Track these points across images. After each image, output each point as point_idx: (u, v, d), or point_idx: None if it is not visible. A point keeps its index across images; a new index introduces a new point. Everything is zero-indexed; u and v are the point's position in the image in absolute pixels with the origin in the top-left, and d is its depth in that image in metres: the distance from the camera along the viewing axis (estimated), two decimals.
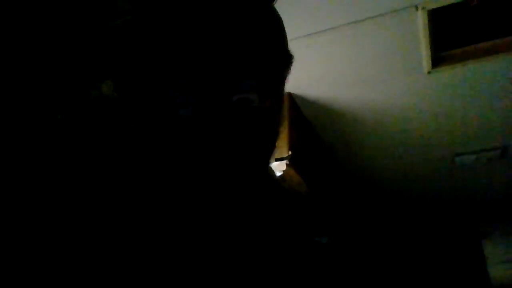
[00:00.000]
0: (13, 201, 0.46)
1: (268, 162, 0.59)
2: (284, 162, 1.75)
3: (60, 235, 0.45)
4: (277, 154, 1.78)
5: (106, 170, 0.51)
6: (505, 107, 2.21)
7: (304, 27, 1.84)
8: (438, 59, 2.00)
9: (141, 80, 0.51)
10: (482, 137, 2.45)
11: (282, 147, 1.81)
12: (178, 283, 0.50)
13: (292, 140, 1.87)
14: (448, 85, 2.11)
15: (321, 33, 1.87)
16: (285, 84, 0.59)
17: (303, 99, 2.21)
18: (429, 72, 2.00)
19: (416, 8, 1.75)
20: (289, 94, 2.14)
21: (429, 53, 1.91)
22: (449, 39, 2.03)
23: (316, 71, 2.06)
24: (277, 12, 0.58)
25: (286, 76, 0.58)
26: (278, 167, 1.74)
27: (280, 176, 1.71)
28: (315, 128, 2.44)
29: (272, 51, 0.53)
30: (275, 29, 0.55)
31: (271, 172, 0.68)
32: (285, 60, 0.56)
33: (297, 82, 2.11)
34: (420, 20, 1.78)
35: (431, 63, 1.96)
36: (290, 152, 1.79)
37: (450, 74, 2.04)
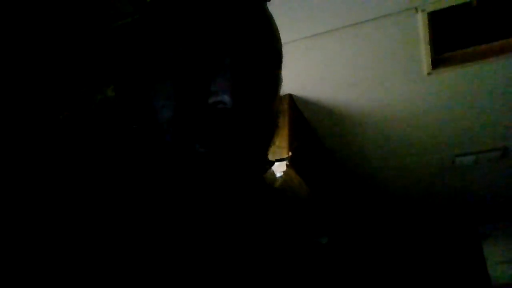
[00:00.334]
0: (13, 201, 0.46)
1: (258, 162, 0.58)
2: (284, 163, 1.75)
3: (60, 235, 0.45)
4: (277, 155, 1.78)
5: (106, 170, 0.51)
6: (505, 108, 2.21)
7: (305, 29, 1.84)
8: (438, 61, 2.00)
9: (132, 83, 0.52)
10: (482, 138, 2.45)
11: (283, 148, 1.81)
12: (178, 283, 0.50)
13: (292, 141, 1.88)
14: (448, 86, 2.11)
15: (321, 35, 1.87)
16: (280, 83, 0.58)
17: (303, 101, 2.22)
18: (429, 74, 2.01)
19: (416, 10, 1.75)
20: (290, 95, 2.15)
21: (429, 55, 1.91)
22: (449, 41, 2.03)
23: (316, 72, 2.06)
24: (268, 11, 0.57)
25: (278, 74, 0.57)
26: (279, 168, 1.74)
27: (280, 176, 1.72)
28: (315, 129, 2.44)
29: (256, 50, 0.52)
30: (261, 28, 0.54)
31: (266, 174, 0.66)
32: (273, 58, 0.55)
33: (297, 84, 2.11)
34: (420, 22, 1.78)
35: (431, 64, 1.96)
36: (290, 153, 1.79)
37: (450, 75, 2.05)
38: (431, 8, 1.73)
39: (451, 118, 2.31)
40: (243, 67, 0.50)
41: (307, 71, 2.04)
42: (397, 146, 2.56)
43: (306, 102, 2.23)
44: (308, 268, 0.75)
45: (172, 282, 0.49)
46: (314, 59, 1.99)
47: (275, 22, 0.57)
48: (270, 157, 0.62)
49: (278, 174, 1.72)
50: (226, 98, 0.48)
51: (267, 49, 0.54)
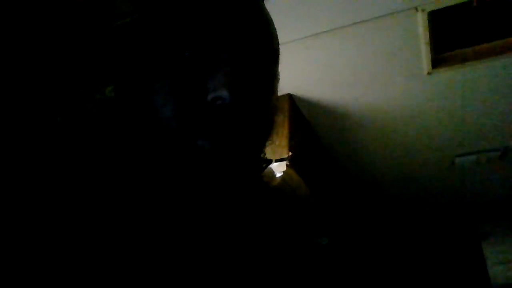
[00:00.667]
0: (13, 202, 0.46)
1: (256, 159, 0.58)
2: (284, 163, 1.75)
3: (60, 236, 0.45)
4: (277, 155, 1.78)
5: (105, 170, 0.51)
6: (504, 108, 2.21)
7: (305, 28, 1.84)
8: (438, 61, 2.00)
9: (132, 82, 0.52)
10: (482, 138, 2.45)
11: (282, 148, 1.81)
12: (177, 283, 0.50)
13: (292, 141, 1.88)
14: (448, 86, 2.11)
15: (321, 35, 1.87)
16: (277, 80, 0.58)
17: (303, 100, 2.21)
18: (429, 73, 2.01)
19: (416, 9, 1.75)
20: (289, 95, 2.14)
21: (429, 55, 1.91)
22: (449, 40, 2.04)
23: (316, 72, 2.06)
24: (265, 8, 0.57)
25: (275, 71, 0.58)
26: (278, 168, 1.74)
27: (280, 177, 1.71)
28: (315, 129, 2.44)
29: (253, 47, 0.52)
30: (258, 25, 0.54)
31: (264, 174, 0.66)
32: (270, 55, 0.55)
33: (297, 83, 2.11)
34: (420, 22, 1.78)
35: (431, 64, 1.96)
36: (290, 153, 1.79)
37: (450, 75, 2.05)
38: (431, 7, 1.74)
39: (451, 117, 2.31)
40: (240, 63, 0.50)
41: (306, 70, 2.04)
42: (397, 146, 2.56)
43: (305, 102, 2.23)
44: (307, 268, 0.75)
45: (171, 281, 0.49)
46: (313, 59, 1.99)
47: (271, 18, 0.57)
48: (269, 156, 0.62)
49: (278, 174, 1.72)
50: (224, 93, 0.48)
51: (264, 45, 0.54)
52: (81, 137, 0.52)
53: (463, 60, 1.98)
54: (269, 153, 0.62)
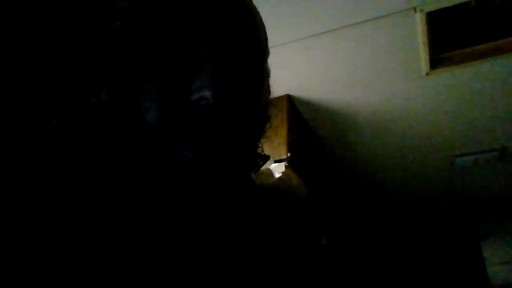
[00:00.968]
0: (12, 203, 0.46)
1: (247, 157, 0.57)
2: (283, 163, 1.75)
3: (59, 237, 0.45)
4: (276, 156, 1.78)
5: (103, 171, 0.51)
6: (503, 108, 2.22)
7: (303, 29, 1.84)
8: (436, 61, 2.00)
9: (122, 86, 0.52)
10: (481, 138, 2.45)
11: (281, 149, 1.81)
12: (177, 283, 0.50)
13: (290, 141, 1.88)
14: (446, 86, 2.11)
15: (320, 35, 1.87)
16: (266, 76, 0.57)
17: (301, 101, 2.21)
18: (427, 74, 2.01)
19: (415, 10, 1.75)
20: (288, 95, 2.15)
21: (427, 55, 1.92)
22: (447, 41, 2.04)
23: (314, 73, 2.06)
24: (252, 5, 0.55)
25: (263, 67, 0.56)
26: (277, 169, 1.74)
27: (279, 177, 1.72)
28: (314, 129, 2.44)
29: (237, 43, 0.51)
30: (242, 19, 0.52)
31: (262, 172, 0.65)
32: (256, 50, 0.54)
33: (295, 84, 2.11)
34: (419, 22, 1.78)
35: (429, 65, 1.96)
36: (289, 154, 1.79)
37: (448, 75, 2.05)
38: (429, 8, 1.74)
39: (450, 118, 2.32)
40: (223, 61, 0.49)
41: (305, 71, 2.04)
42: (395, 146, 2.56)
43: (304, 102, 2.23)
44: (306, 268, 0.75)
45: (170, 281, 0.49)
46: (312, 59, 1.99)
47: (258, 13, 0.55)
48: (267, 152, 0.61)
49: (277, 174, 1.72)
50: (207, 93, 0.47)
51: (249, 40, 0.52)
52: (76, 140, 0.52)
53: (462, 60, 1.99)
54: (267, 152, 0.62)
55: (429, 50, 1.90)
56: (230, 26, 0.50)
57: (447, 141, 2.49)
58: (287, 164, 1.75)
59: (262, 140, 0.58)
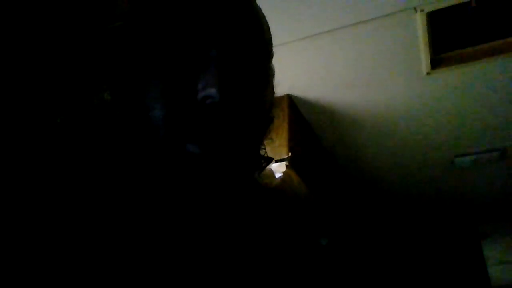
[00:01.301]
0: (13, 203, 0.46)
1: (252, 158, 0.57)
2: (284, 163, 1.75)
3: (60, 237, 0.45)
4: (276, 156, 1.78)
5: (105, 171, 0.51)
6: (504, 108, 2.22)
7: (304, 29, 1.84)
8: (437, 61, 2.00)
9: (126, 85, 0.52)
10: (481, 138, 2.45)
11: (282, 149, 1.81)
12: (177, 283, 0.50)
13: (291, 141, 1.88)
14: (447, 86, 2.11)
15: (320, 35, 1.87)
16: (271, 75, 0.57)
17: (302, 101, 2.22)
18: (428, 74, 2.01)
19: (415, 10, 1.75)
20: (289, 95, 2.15)
21: (428, 55, 1.92)
22: (448, 41, 2.04)
23: (315, 72, 2.07)
24: (257, 4, 0.55)
25: (268, 66, 0.56)
26: (278, 168, 1.74)
27: (280, 177, 1.72)
28: (315, 129, 2.44)
29: (242, 41, 0.50)
30: (247, 18, 0.52)
31: (264, 173, 0.65)
32: (261, 49, 0.54)
33: (296, 84, 2.11)
34: (419, 22, 1.79)
35: (430, 64, 1.96)
36: (289, 154, 1.79)
37: (449, 75, 2.05)
38: (430, 8, 1.74)
39: (450, 118, 2.32)
40: (229, 59, 0.49)
41: (305, 71, 2.04)
42: (396, 146, 2.56)
43: (305, 103, 2.23)
44: (307, 268, 0.75)
45: (170, 281, 0.49)
46: (313, 59, 1.99)
47: (262, 12, 0.55)
48: (269, 154, 0.61)
49: (278, 174, 1.72)
50: (213, 91, 0.47)
51: (254, 40, 0.52)
52: (80, 139, 0.52)
53: (462, 60, 1.99)
54: (268, 153, 0.62)
55: (430, 50, 1.90)
56: (236, 24, 0.50)
57: (448, 141, 2.49)
58: (288, 164, 1.75)
59: (265, 142, 0.58)
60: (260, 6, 0.57)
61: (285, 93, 2.12)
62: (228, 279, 0.55)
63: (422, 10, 1.74)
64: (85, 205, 0.48)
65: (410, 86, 2.11)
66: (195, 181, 0.50)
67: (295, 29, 1.81)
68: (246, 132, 0.52)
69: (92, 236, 0.46)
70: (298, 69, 2.01)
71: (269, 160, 0.60)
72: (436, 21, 1.91)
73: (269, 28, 0.56)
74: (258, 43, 0.53)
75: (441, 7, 1.74)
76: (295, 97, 2.19)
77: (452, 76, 2.05)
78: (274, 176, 1.73)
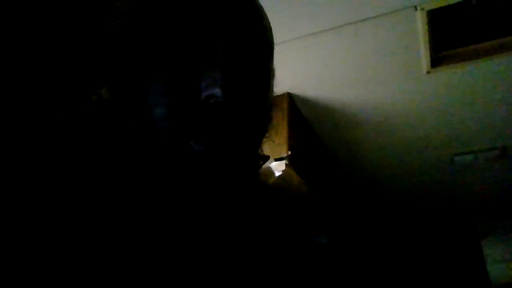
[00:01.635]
0: (13, 202, 0.46)
1: (252, 156, 0.57)
2: (284, 162, 1.75)
3: (59, 236, 0.45)
4: (276, 154, 1.78)
5: (105, 170, 0.51)
6: (504, 107, 2.21)
7: (304, 27, 1.84)
8: (437, 60, 2.00)
9: (127, 82, 0.51)
10: (481, 137, 2.45)
11: (281, 147, 1.81)
12: (177, 283, 0.50)
13: (291, 140, 1.88)
14: (447, 85, 2.11)
15: (320, 33, 1.87)
16: (272, 75, 0.57)
17: (302, 99, 2.21)
18: (428, 72, 2.00)
19: (415, 8, 1.75)
20: (288, 94, 2.14)
21: (428, 53, 1.91)
22: (448, 39, 2.03)
23: (315, 71, 2.06)
24: (257, 1, 0.55)
25: (270, 66, 0.56)
26: (278, 167, 1.74)
27: (279, 176, 1.71)
28: (314, 128, 2.44)
29: (246, 42, 0.51)
30: (251, 19, 0.52)
31: (261, 171, 0.65)
32: (264, 49, 0.54)
33: (296, 82, 2.11)
34: (419, 21, 1.78)
35: (430, 63, 1.96)
36: (289, 152, 1.79)
37: (449, 74, 2.04)
38: (430, 6, 1.73)
39: (450, 117, 2.32)
40: (233, 60, 0.49)
41: (305, 69, 2.04)
42: (396, 144, 2.56)
43: (304, 101, 2.22)
44: (307, 267, 0.74)
45: (171, 281, 0.49)
46: (313, 58, 1.98)
47: (265, 12, 0.55)
48: (267, 152, 0.61)
49: (277, 173, 1.72)
50: (217, 91, 0.47)
51: (257, 40, 0.52)
52: (80, 137, 0.52)
53: (463, 59, 1.98)
54: (268, 152, 0.62)
55: (430, 48, 1.89)
56: (240, 24, 0.50)
57: (448, 139, 2.49)
58: (287, 163, 1.75)
59: (263, 140, 0.58)
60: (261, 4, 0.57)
61: (285, 92, 2.12)
62: (226, 278, 0.55)
63: (422, 8, 1.74)
64: (84, 204, 0.48)
65: (410, 85, 2.11)
66: (198, 178, 0.50)
67: (295, 27, 1.80)
68: (248, 131, 0.52)
69: (92, 235, 0.46)
70: (298, 68, 2.00)
71: (266, 159, 0.61)
72: (437, 19, 1.90)
73: (271, 28, 0.56)
74: (262, 43, 0.53)
75: (441, 6, 1.74)
76: (295, 95, 2.19)
77: (453, 75, 2.05)
78: (273, 174, 1.72)
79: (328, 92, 2.19)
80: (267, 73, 0.56)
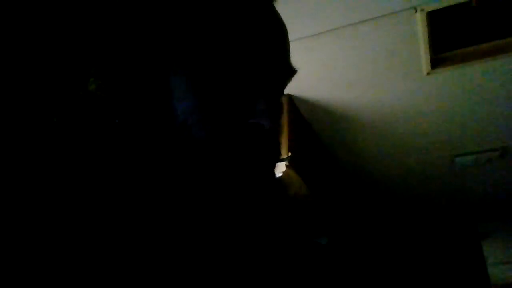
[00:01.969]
0: (13, 202, 0.46)
1: (272, 173, 0.60)
2: (284, 163, 1.75)
3: (59, 236, 0.45)
4: None
5: (105, 170, 0.51)
6: (504, 108, 2.22)
7: (304, 29, 1.84)
8: (437, 61, 2.00)
9: (136, 80, 0.51)
10: (481, 138, 2.45)
11: (282, 148, 1.81)
12: (178, 283, 0.50)
13: (291, 141, 1.88)
14: (447, 86, 2.11)
15: (320, 35, 1.87)
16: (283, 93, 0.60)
17: (302, 101, 2.21)
18: (428, 73, 2.01)
19: (415, 10, 1.75)
20: (289, 95, 2.15)
21: (428, 55, 1.92)
22: (448, 40, 2.04)
23: (315, 72, 2.06)
24: (281, 18, 0.57)
25: (286, 86, 0.59)
26: (278, 168, 1.74)
27: (280, 177, 1.71)
28: (314, 129, 2.44)
29: (278, 67, 0.53)
30: (284, 41, 0.55)
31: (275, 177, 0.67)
32: (290, 74, 0.57)
33: (296, 84, 2.10)
34: (419, 22, 1.78)
35: (430, 64, 1.96)
36: (289, 153, 1.79)
37: (449, 75, 2.05)
38: (430, 7, 1.74)
39: (450, 118, 2.32)
40: (276, 87, 0.52)
41: (305, 71, 2.04)
42: (396, 146, 2.56)
43: (305, 102, 2.23)
44: (307, 268, 0.75)
45: (171, 281, 0.49)
46: (313, 59, 1.99)
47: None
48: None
49: (278, 174, 1.72)
50: (266, 122, 0.49)
51: (286, 64, 0.56)
52: (79, 137, 0.52)
53: (462, 60, 1.99)
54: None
55: (430, 49, 1.90)
56: (277, 50, 0.53)
57: (448, 140, 2.49)
58: (287, 164, 1.75)
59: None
60: None
61: (286, 93, 2.12)
62: (229, 276, 0.55)
63: (422, 10, 1.74)
64: (84, 203, 0.48)
65: (410, 86, 2.11)
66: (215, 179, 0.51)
67: (295, 29, 1.81)
68: (273, 147, 0.56)
69: (91, 235, 0.46)
70: (298, 69, 2.00)
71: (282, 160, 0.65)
72: (437, 21, 1.90)
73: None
74: (288, 68, 0.56)
75: (441, 7, 1.74)
76: (295, 96, 2.19)
77: (452, 76, 2.05)
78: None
79: (328, 93, 2.19)
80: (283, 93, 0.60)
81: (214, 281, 0.53)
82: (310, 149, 2.38)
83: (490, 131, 2.39)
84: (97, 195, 0.49)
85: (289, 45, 0.57)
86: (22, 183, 0.47)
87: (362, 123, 2.38)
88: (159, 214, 0.51)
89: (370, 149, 2.61)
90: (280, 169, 1.74)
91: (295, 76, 0.58)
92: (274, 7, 0.57)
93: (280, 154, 0.58)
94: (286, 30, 0.57)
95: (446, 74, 2.03)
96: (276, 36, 0.54)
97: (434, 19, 1.88)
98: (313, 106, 2.25)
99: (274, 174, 0.62)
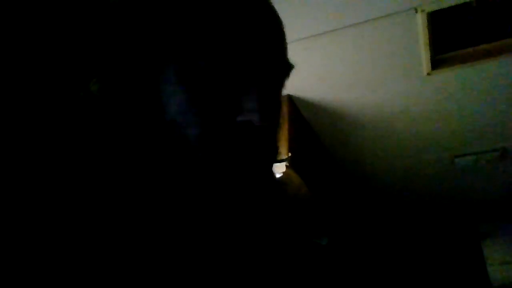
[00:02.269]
0: (13, 201, 0.46)
1: (269, 171, 0.59)
2: (284, 163, 1.75)
3: (59, 235, 0.45)
4: None
5: (105, 169, 0.51)
6: (504, 109, 2.22)
7: (304, 29, 1.84)
8: (437, 61, 2.00)
9: (132, 80, 0.50)
10: (482, 138, 2.45)
11: (282, 149, 1.81)
12: (178, 283, 0.50)
13: (291, 141, 1.88)
14: (447, 87, 2.11)
15: (321, 35, 1.87)
16: (283, 90, 0.59)
17: (302, 101, 2.21)
18: (428, 74, 2.01)
19: (416, 10, 1.75)
20: (289, 96, 2.15)
21: (429, 55, 1.92)
22: (449, 41, 2.04)
23: (315, 73, 2.06)
24: (278, 14, 0.56)
25: (284, 84, 0.58)
26: (278, 169, 1.74)
27: (280, 177, 1.71)
28: (314, 129, 2.44)
29: (275, 64, 0.52)
30: (278, 36, 0.54)
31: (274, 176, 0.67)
32: (287, 70, 0.56)
33: (296, 84, 2.11)
34: (420, 23, 1.78)
35: (430, 65, 1.96)
36: (289, 154, 1.79)
37: (449, 76, 2.05)
38: (430, 8, 1.74)
39: (450, 118, 2.32)
40: (268, 82, 0.50)
41: (306, 72, 2.04)
42: (396, 146, 2.56)
43: (305, 103, 2.23)
44: (307, 268, 0.75)
45: (171, 280, 0.49)
46: (313, 60, 1.99)
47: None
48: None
49: (278, 174, 1.72)
50: (255, 118, 0.48)
51: (283, 60, 0.54)
52: (80, 137, 0.51)
53: (463, 60, 1.98)
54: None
55: (430, 50, 1.89)
56: (273, 50, 0.52)
57: (448, 141, 2.49)
58: (288, 164, 1.75)
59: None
60: None
61: (286, 94, 2.12)
62: (230, 276, 0.55)
63: (422, 10, 1.74)
64: (84, 201, 0.48)
65: (410, 87, 2.11)
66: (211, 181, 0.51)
67: (295, 29, 1.81)
68: (270, 146, 0.55)
69: (91, 235, 0.46)
70: (298, 70, 2.00)
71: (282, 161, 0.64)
72: (437, 21, 1.90)
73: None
74: (285, 61, 0.55)
75: (441, 7, 1.74)
76: (295, 97, 2.19)
77: (453, 77, 2.05)
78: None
79: (328, 94, 2.19)
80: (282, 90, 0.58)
81: (214, 281, 0.53)
82: (310, 149, 2.38)
83: (490, 132, 2.39)
84: (97, 195, 0.49)
85: (285, 39, 0.56)
86: (22, 183, 0.47)
87: (362, 124, 2.38)
88: (155, 213, 0.51)
89: (370, 150, 2.61)
90: (280, 169, 1.74)
91: (292, 73, 0.57)
92: (269, 2, 0.55)
93: (277, 152, 0.57)
94: (282, 23, 0.56)
95: (447, 74, 2.03)
96: (269, 28, 0.52)
97: (435, 20, 1.88)
98: (313, 106, 2.25)
99: (271, 173, 0.61)
